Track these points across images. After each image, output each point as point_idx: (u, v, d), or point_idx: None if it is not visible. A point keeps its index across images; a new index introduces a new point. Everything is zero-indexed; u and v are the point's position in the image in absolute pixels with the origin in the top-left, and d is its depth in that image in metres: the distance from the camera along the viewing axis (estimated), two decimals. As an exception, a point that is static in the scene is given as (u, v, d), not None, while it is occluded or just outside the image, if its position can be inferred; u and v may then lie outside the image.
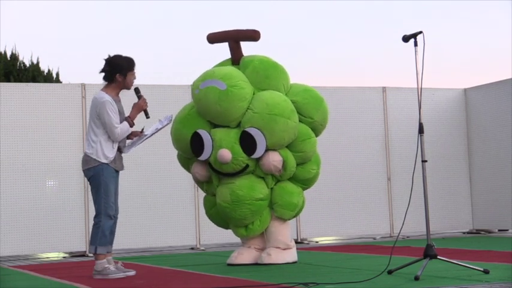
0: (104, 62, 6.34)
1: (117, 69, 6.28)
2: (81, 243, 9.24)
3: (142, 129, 6.55)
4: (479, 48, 22.55)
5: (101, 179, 6.21)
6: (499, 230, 10.85)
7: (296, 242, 9.30)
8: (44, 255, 9.33)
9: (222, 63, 7.16)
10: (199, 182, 7.13)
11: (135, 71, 6.39)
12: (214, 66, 7.12)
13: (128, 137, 6.45)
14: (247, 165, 6.70)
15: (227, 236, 7.96)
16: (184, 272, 6.65)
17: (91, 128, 6.28)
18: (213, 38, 7.19)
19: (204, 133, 6.72)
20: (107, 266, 6.18)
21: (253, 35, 7.00)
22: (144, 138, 6.52)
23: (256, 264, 6.86)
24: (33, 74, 18.50)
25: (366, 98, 10.66)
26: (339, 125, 10.34)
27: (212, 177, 6.91)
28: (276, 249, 6.91)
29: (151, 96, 8.57)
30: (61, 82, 18.75)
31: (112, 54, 6.36)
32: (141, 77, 6.49)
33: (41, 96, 9.29)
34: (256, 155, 6.64)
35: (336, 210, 10.35)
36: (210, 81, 6.68)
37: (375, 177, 10.56)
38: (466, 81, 24.91)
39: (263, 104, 6.62)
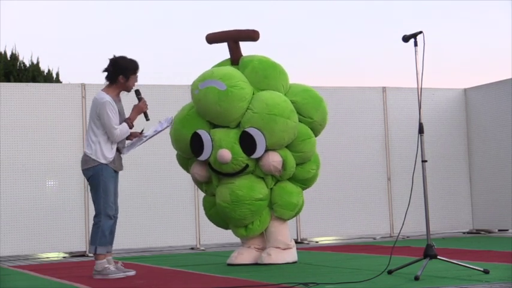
0: (108, 61, 6.33)
1: (121, 71, 6.28)
2: (81, 243, 9.24)
3: (142, 131, 6.55)
4: (479, 48, 22.56)
5: (100, 179, 6.21)
6: (499, 230, 10.85)
7: (296, 242, 9.30)
8: (44, 255, 9.33)
9: (221, 64, 7.16)
10: (199, 183, 7.13)
11: (138, 74, 6.40)
12: (213, 67, 7.11)
13: (128, 138, 6.45)
14: (247, 165, 6.70)
15: (227, 236, 7.96)
16: (184, 272, 6.65)
17: (91, 128, 6.28)
18: (212, 38, 7.19)
19: (203, 133, 6.72)
20: (107, 266, 6.19)
21: (252, 35, 7.00)
22: (144, 140, 6.52)
23: (256, 264, 6.86)
24: (33, 74, 18.50)
25: (366, 98, 10.66)
26: (339, 125, 10.34)
27: (212, 177, 6.91)
28: (276, 249, 6.91)
29: (151, 96, 8.58)
30: (61, 82, 18.76)
31: (117, 55, 6.36)
32: (141, 77, 6.47)
33: (41, 96, 9.29)
34: (256, 155, 6.64)
35: (336, 210, 10.35)
36: (210, 81, 6.67)
37: (375, 177, 10.56)
38: (466, 81, 24.93)
39: (263, 104, 6.62)
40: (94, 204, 6.30)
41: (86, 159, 6.27)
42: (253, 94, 6.76)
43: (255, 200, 6.74)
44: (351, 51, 23.89)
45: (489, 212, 10.67)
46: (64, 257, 9.18)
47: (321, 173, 7.28)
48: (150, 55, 23.58)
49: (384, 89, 10.77)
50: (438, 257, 5.48)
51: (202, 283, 5.67)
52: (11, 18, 24.87)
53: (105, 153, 6.22)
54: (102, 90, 6.34)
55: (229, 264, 6.94)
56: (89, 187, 6.48)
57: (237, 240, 7.53)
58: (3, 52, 18.64)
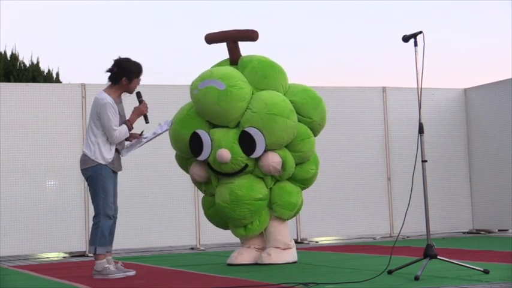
0: (111, 61, 6.33)
1: (125, 73, 6.27)
2: (81, 243, 9.24)
3: (142, 132, 6.54)
4: (479, 48, 22.56)
5: (99, 178, 6.21)
6: (499, 230, 10.85)
7: (296, 242, 9.31)
8: (44, 255, 9.33)
9: (220, 64, 7.15)
10: (198, 183, 7.13)
11: (141, 77, 6.40)
12: (213, 67, 7.11)
13: (127, 139, 6.45)
14: (246, 165, 6.70)
15: (227, 236, 7.96)
16: (184, 272, 6.65)
17: (91, 128, 6.28)
18: (211, 39, 7.19)
19: (203, 133, 6.72)
20: (106, 266, 6.19)
21: (251, 35, 7.00)
22: (143, 142, 6.52)
23: (256, 264, 6.86)
24: (33, 74, 18.51)
25: (366, 98, 10.66)
26: (339, 125, 10.35)
27: (211, 177, 6.91)
28: (276, 249, 6.91)
29: (151, 96, 8.59)
30: (61, 82, 18.76)
31: (122, 56, 6.35)
32: (141, 77, 6.46)
33: (41, 96, 9.29)
34: (256, 154, 6.65)
35: (336, 210, 10.36)
36: (209, 81, 6.68)
37: (375, 177, 10.57)
38: (466, 81, 24.93)
39: (262, 103, 6.62)
40: (93, 205, 6.30)
41: (84, 159, 6.27)
42: (253, 94, 6.76)
43: (255, 199, 6.74)
44: (351, 51, 23.91)
45: (489, 212, 10.67)
46: (64, 257, 9.18)
47: (321, 173, 7.28)
48: (150, 55, 23.59)
49: (383, 89, 10.77)
50: (438, 257, 5.49)
51: (202, 283, 5.67)
52: (11, 18, 24.89)
53: (104, 154, 6.22)
54: (103, 90, 6.33)
55: (229, 264, 6.94)
56: (88, 187, 6.48)
57: (237, 240, 7.53)
58: (3, 52, 18.64)
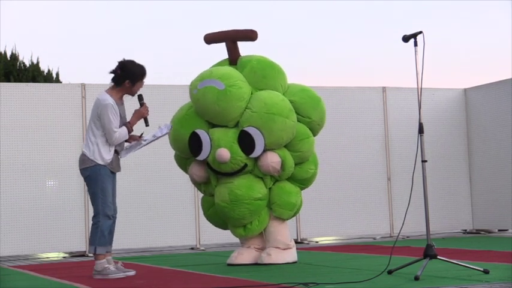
0: (115, 63, 6.32)
1: (128, 76, 6.28)
2: (81, 243, 9.24)
3: (141, 135, 6.54)
4: (479, 48, 22.56)
5: (97, 179, 6.21)
6: (499, 230, 10.85)
7: (296, 242, 9.31)
8: (44, 255, 9.33)
9: (220, 64, 7.16)
10: (197, 183, 7.13)
11: (144, 80, 6.40)
12: (212, 67, 7.12)
13: (127, 141, 6.45)
14: (245, 165, 6.70)
15: (227, 236, 7.97)
16: (184, 272, 6.65)
17: (91, 128, 6.28)
18: (210, 39, 7.19)
19: (202, 133, 6.72)
20: (106, 266, 6.19)
21: (250, 35, 7.00)
22: (143, 144, 6.51)
23: (256, 264, 6.87)
24: (33, 74, 18.51)
25: (366, 98, 10.66)
26: (339, 125, 10.35)
27: (210, 177, 6.91)
28: (275, 249, 6.92)
29: (151, 96, 8.58)
30: (61, 82, 18.76)
31: (126, 58, 6.35)
32: (141, 77, 6.46)
33: (41, 96, 9.29)
34: (255, 154, 6.65)
35: (336, 210, 10.36)
36: (208, 81, 6.68)
37: (374, 177, 10.57)
38: (466, 81, 24.92)
39: (261, 103, 6.63)
40: (92, 205, 6.30)
41: (83, 158, 6.27)
42: (252, 94, 6.76)
43: (254, 199, 6.74)
44: (351, 51, 23.90)
45: (489, 212, 10.67)
46: (64, 257, 9.18)
47: (320, 173, 7.28)
48: (150, 55, 23.59)
49: (383, 89, 10.77)
50: (438, 257, 5.49)
51: (202, 283, 5.67)
52: (11, 18, 24.88)
53: (103, 154, 6.22)
54: (106, 91, 6.33)
55: (229, 264, 6.94)
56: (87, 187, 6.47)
57: (237, 240, 7.53)
58: (3, 52, 18.64)
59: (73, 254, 9.32)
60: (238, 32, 7.04)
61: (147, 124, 6.50)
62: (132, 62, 6.34)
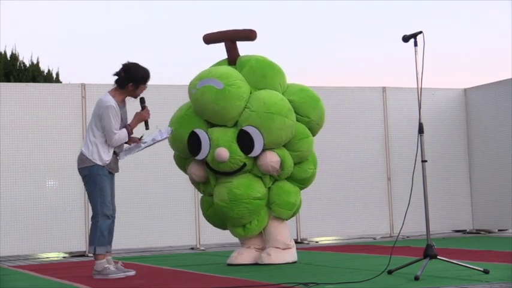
0: (120, 65, 6.32)
1: (132, 79, 6.28)
2: (81, 243, 9.24)
3: (141, 137, 6.54)
4: (479, 48, 22.56)
5: (96, 178, 6.21)
6: (499, 230, 10.85)
7: (296, 242, 9.31)
8: (44, 255, 9.33)
9: (219, 64, 7.16)
10: (196, 183, 7.13)
11: (147, 84, 6.41)
12: (211, 67, 7.12)
13: (126, 142, 6.45)
14: (244, 164, 6.70)
15: (227, 236, 7.96)
16: (184, 272, 6.65)
17: (91, 128, 6.28)
18: (209, 39, 7.20)
19: (201, 132, 6.73)
20: (106, 266, 6.19)
21: (249, 35, 7.00)
22: (142, 147, 6.51)
23: (256, 264, 6.87)
24: (33, 74, 18.50)
25: (366, 98, 10.67)
26: (339, 125, 10.35)
27: (209, 177, 6.91)
28: (275, 249, 6.92)
29: (151, 96, 8.56)
30: (61, 82, 18.75)
31: (131, 61, 6.35)
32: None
33: (41, 96, 9.29)
34: (254, 153, 6.65)
35: (335, 210, 10.36)
36: (207, 80, 6.69)
37: (374, 177, 10.57)
38: (466, 81, 24.92)
39: (260, 102, 6.63)
40: (91, 205, 6.31)
41: (82, 158, 6.28)
42: (251, 93, 6.76)
43: (253, 198, 6.74)
44: (351, 51, 23.90)
45: (489, 212, 10.67)
46: (64, 257, 9.18)
47: (321, 173, 7.28)
48: (150, 55, 23.59)
49: (383, 89, 10.77)
50: (438, 257, 5.49)
51: (202, 283, 5.67)
52: (11, 18, 24.88)
53: (102, 155, 6.22)
54: (108, 92, 6.33)
55: (229, 264, 6.94)
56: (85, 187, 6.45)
57: (237, 240, 7.53)
58: (3, 52, 18.64)
59: (73, 254, 9.32)
60: (237, 32, 7.04)
61: (147, 127, 6.50)
62: (136, 65, 6.34)
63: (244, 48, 7.12)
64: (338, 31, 24.83)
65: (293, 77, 7.11)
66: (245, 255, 6.96)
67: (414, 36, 5.62)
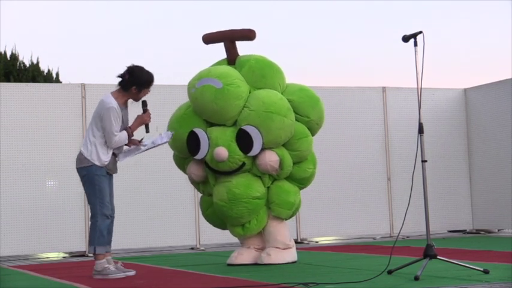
0: (125, 68, 6.32)
1: (136, 82, 6.29)
2: (81, 243, 9.24)
3: (141, 140, 6.54)
4: (479, 48, 22.55)
5: (94, 178, 6.21)
6: (499, 230, 10.85)
7: (296, 242, 9.30)
8: (44, 255, 9.33)
9: (218, 64, 7.17)
10: (195, 183, 7.14)
11: (150, 88, 6.41)
12: (210, 66, 7.12)
13: (126, 144, 6.45)
14: (243, 163, 6.71)
15: (227, 236, 7.97)
16: (184, 272, 6.65)
17: (91, 128, 6.28)
18: (209, 39, 7.20)
19: (200, 132, 6.73)
20: (106, 266, 6.19)
21: (248, 35, 7.01)
22: (142, 150, 6.51)
23: (256, 264, 6.87)
24: (33, 74, 18.50)
25: (366, 98, 10.67)
26: (339, 125, 10.35)
27: (208, 176, 6.91)
28: (275, 249, 6.92)
29: (151, 96, 8.54)
30: (61, 82, 18.75)
31: (136, 64, 6.35)
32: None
33: (41, 96, 9.29)
34: (253, 152, 6.65)
35: (335, 210, 10.35)
36: (206, 79, 6.69)
37: (374, 177, 10.57)
38: (466, 81, 24.91)
39: (259, 102, 6.64)
40: (90, 205, 6.31)
41: (80, 158, 6.28)
42: (250, 93, 6.77)
43: (252, 198, 6.75)
44: (351, 51, 23.90)
45: (489, 212, 10.67)
46: (64, 257, 9.18)
47: (320, 173, 7.28)
48: (150, 55, 23.59)
49: (383, 89, 10.77)
50: (438, 257, 5.49)
51: (202, 283, 5.67)
52: (11, 18, 24.88)
53: (101, 155, 6.22)
54: (111, 93, 6.33)
55: (229, 264, 6.95)
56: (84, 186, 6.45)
57: (237, 240, 7.53)
58: (3, 52, 18.63)
59: (73, 254, 9.33)
60: (236, 32, 7.04)
61: (147, 131, 6.51)
62: (141, 69, 6.35)
63: (243, 48, 7.13)
64: (338, 31, 24.83)
65: (293, 77, 7.12)
66: (245, 255, 6.96)
67: (414, 36, 5.62)
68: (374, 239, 10.43)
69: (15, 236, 9.00)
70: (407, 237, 10.46)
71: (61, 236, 9.16)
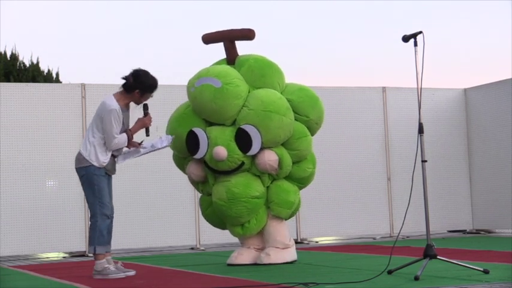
0: (131, 70, 6.32)
1: (140, 86, 6.29)
2: (81, 243, 9.24)
3: (141, 142, 6.53)
4: (479, 48, 22.55)
5: (93, 178, 6.22)
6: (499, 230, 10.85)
7: (296, 242, 9.31)
8: (44, 255, 9.33)
9: (218, 63, 7.17)
10: (195, 183, 7.14)
11: (153, 94, 6.42)
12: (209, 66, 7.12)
13: (126, 146, 6.45)
14: (242, 163, 6.71)
15: (227, 236, 7.97)
16: (184, 272, 6.65)
17: (91, 128, 6.28)
18: (208, 39, 7.20)
19: (199, 131, 6.73)
20: (106, 266, 6.19)
21: (248, 34, 7.01)
22: (141, 152, 6.51)
23: (256, 264, 6.86)
24: (33, 74, 18.50)
25: (366, 98, 10.67)
26: (339, 125, 10.35)
27: (208, 176, 6.91)
28: (275, 249, 6.91)
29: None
30: (61, 82, 18.75)
31: (142, 68, 6.36)
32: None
33: (41, 96, 9.29)
34: (252, 152, 6.65)
35: (335, 210, 10.35)
36: (205, 79, 6.70)
37: (374, 177, 10.57)
38: (466, 81, 24.92)
39: (258, 101, 6.64)
40: (89, 205, 6.32)
41: (79, 158, 6.29)
42: (249, 92, 6.77)
43: (251, 197, 6.75)
44: (351, 51, 23.90)
45: (489, 212, 10.67)
46: (64, 257, 9.18)
47: (320, 173, 7.28)
48: (150, 55, 23.59)
49: (383, 89, 10.77)
50: (438, 257, 5.49)
51: (202, 283, 5.67)
52: (11, 18, 24.88)
53: (99, 156, 6.22)
54: (114, 94, 6.33)
55: (229, 264, 6.95)
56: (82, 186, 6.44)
57: (237, 240, 7.53)
58: (3, 52, 18.64)
59: (73, 254, 9.32)
60: (235, 32, 7.04)
61: (147, 134, 6.51)
62: (146, 73, 6.35)
63: (243, 48, 7.13)
64: (338, 31, 24.83)
65: (293, 76, 7.13)
66: (245, 256, 6.96)
67: (414, 36, 5.62)
68: (374, 239, 10.43)
69: (15, 236, 8.99)
70: (407, 237, 10.46)
71: (61, 236, 9.16)
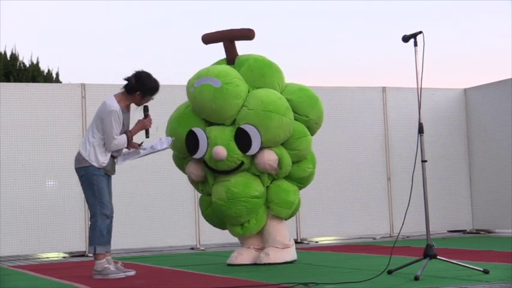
0: (133, 71, 6.32)
1: (141, 88, 6.29)
2: (81, 243, 9.24)
3: (141, 143, 6.53)
4: (479, 48, 22.55)
5: (92, 179, 6.22)
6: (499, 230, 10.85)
7: (296, 242, 9.31)
8: (44, 255, 9.33)
9: (217, 63, 7.17)
10: (194, 182, 7.14)
11: (154, 96, 6.41)
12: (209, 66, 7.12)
13: (125, 147, 6.45)
14: (242, 163, 6.71)
15: (227, 236, 7.97)
16: (184, 272, 6.65)
17: (91, 129, 6.28)
18: (208, 39, 7.21)
19: (199, 131, 6.73)
20: (106, 266, 6.19)
21: (247, 34, 7.01)
22: (141, 154, 6.51)
23: (256, 264, 6.86)
24: (33, 74, 18.50)
25: (366, 98, 10.67)
26: (339, 125, 10.35)
27: (207, 175, 6.92)
28: (274, 248, 6.92)
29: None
30: (61, 82, 18.75)
31: (144, 70, 6.35)
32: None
33: (41, 96, 9.29)
34: (252, 151, 6.65)
35: (335, 210, 10.35)
36: (205, 78, 6.70)
37: (374, 177, 10.57)
38: (466, 81, 24.92)
39: (258, 101, 6.64)
40: (88, 205, 6.32)
41: (79, 158, 6.29)
42: (249, 92, 6.77)
43: (251, 197, 6.75)
44: (351, 51, 23.90)
45: (489, 212, 10.67)
46: (64, 257, 9.18)
47: (320, 173, 7.28)
48: (150, 55, 23.59)
49: (383, 89, 10.77)
50: (438, 257, 5.49)
51: (202, 283, 5.67)
52: (11, 18, 24.88)
53: (99, 157, 6.22)
54: (114, 95, 6.32)
55: (229, 264, 6.95)
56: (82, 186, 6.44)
57: (237, 240, 7.53)
58: (3, 52, 18.64)
59: (73, 254, 9.32)
60: (235, 32, 7.05)
61: (147, 136, 6.52)
62: (148, 76, 6.35)
63: (243, 47, 7.13)
64: (338, 31, 24.83)
65: (293, 76, 7.13)
66: (245, 256, 6.96)
67: (414, 36, 5.62)
68: (374, 239, 10.43)
69: (15, 236, 8.99)
70: (407, 237, 10.46)
71: (61, 236, 9.16)
